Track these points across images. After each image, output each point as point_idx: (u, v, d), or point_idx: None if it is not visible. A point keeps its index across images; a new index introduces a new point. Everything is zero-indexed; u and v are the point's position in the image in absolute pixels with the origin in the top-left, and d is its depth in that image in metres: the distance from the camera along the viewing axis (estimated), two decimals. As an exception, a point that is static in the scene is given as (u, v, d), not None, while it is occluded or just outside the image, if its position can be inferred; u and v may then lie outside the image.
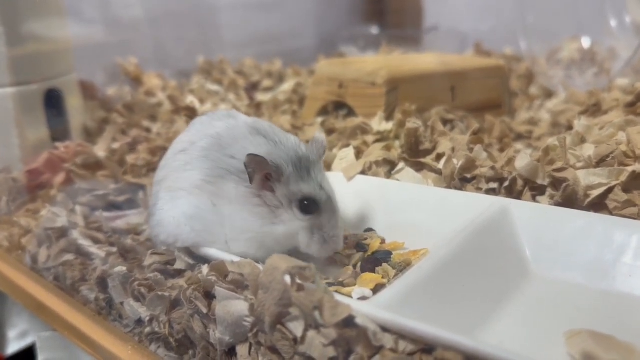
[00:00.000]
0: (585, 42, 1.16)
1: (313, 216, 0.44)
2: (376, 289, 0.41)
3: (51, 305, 0.53)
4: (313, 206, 0.44)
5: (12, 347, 0.78)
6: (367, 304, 0.35)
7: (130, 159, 0.70)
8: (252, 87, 1.08)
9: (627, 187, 0.47)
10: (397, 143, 0.65)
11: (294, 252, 0.44)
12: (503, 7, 1.31)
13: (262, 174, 0.44)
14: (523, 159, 0.51)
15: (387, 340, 0.32)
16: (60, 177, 0.68)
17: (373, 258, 0.45)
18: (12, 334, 0.78)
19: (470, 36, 1.32)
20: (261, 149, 0.44)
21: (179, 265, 0.47)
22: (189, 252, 0.47)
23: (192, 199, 0.46)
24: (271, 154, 0.44)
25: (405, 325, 0.32)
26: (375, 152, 0.62)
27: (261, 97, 1.01)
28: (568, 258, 0.43)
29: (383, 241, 0.49)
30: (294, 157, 0.45)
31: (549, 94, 0.93)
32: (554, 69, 1.10)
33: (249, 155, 0.42)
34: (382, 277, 0.43)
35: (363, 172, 0.58)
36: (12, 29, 0.72)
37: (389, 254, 0.46)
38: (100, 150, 0.72)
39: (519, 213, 0.46)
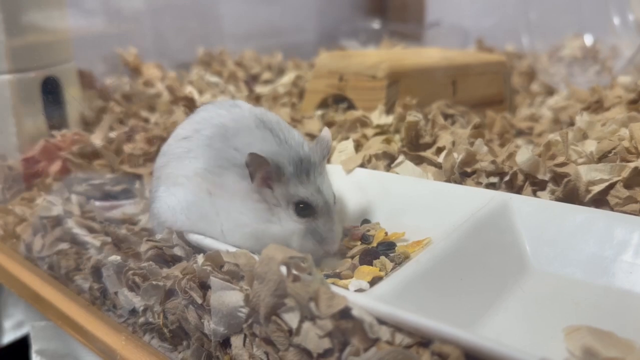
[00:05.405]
0: (588, 40, 1.15)
1: (308, 219, 0.44)
2: (373, 282, 0.40)
3: (45, 294, 0.53)
4: (309, 210, 0.44)
5: (8, 337, 0.78)
6: (364, 295, 0.35)
7: (127, 148, 0.69)
8: (252, 80, 1.07)
9: (628, 183, 0.46)
10: (397, 137, 0.65)
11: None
12: (505, 3, 1.30)
13: (262, 172, 0.43)
14: (524, 154, 0.50)
15: (384, 333, 0.32)
16: (56, 166, 0.67)
17: (372, 250, 0.45)
18: (8, 323, 0.78)
19: (472, 32, 1.32)
20: (265, 145, 0.44)
21: (177, 251, 0.46)
22: (185, 239, 0.47)
23: (192, 187, 0.46)
24: (273, 152, 0.43)
25: (403, 318, 0.31)
26: (375, 145, 0.61)
27: (261, 89, 1.00)
28: (568, 253, 0.43)
29: (386, 233, 0.48)
30: (295, 157, 0.44)
31: (550, 91, 0.93)
32: (556, 67, 1.09)
33: (250, 154, 0.42)
34: (380, 270, 0.42)
35: (362, 165, 0.58)
36: (10, 16, 0.71)
37: (393, 244, 0.46)
38: (97, 139, 0.71)
39: (519, 208, 0.45)
